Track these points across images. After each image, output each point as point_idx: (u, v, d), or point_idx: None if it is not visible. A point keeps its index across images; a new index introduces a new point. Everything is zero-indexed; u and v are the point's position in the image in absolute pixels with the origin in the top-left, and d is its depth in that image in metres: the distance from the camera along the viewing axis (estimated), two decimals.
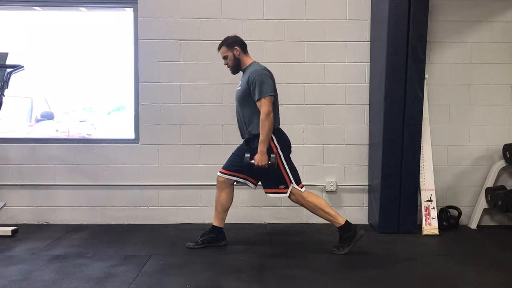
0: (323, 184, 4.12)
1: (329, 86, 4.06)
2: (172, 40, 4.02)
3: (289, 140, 3.27)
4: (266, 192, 3.20)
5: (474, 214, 4.06)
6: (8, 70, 3.60)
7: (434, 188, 3.86)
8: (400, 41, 3.67)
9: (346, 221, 3.21)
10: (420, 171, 3.82)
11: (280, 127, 3.26)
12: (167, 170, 4.09)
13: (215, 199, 3.40)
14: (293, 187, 3.15)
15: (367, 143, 4.10)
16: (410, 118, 3.73)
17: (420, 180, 3.84)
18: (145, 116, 4.07)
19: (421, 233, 3.77)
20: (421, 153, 3.82)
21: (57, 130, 6.07)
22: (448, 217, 3.97)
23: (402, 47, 3.67)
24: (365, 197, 4.15)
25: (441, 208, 4.01)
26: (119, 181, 4.09)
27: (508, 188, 4.01)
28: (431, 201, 3.83)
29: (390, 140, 3.74)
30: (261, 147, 3.04)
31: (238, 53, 3.23)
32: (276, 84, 4.00)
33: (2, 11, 4.37)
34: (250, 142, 3.19)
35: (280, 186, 3.14)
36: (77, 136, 6.23)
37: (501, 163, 4.03)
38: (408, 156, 3.75)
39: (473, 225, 4.03)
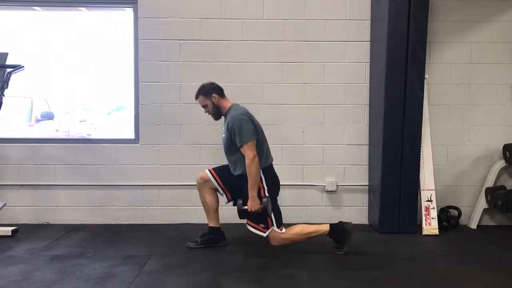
0: (323, 184, 4.12)
1: (329, 86, 4.06)
2: (172, 40, 4.02)
3: (278, 181, 3.26)
4: (247, 223, 3.17)
5: (474, 214, 4.06)
6: (8, 70, 3.60)
7: (434, 188, 3.86)
8: (400, 41, 3.67)
9: (330, 225, 3.21)
10: (420, 171, 3.82)
11: (271, 164, 3.24)
12: (167, 170, 4.09)
13: (200, 201, 3.42)
14: (273, 229, 3.12)
15: (367, 143, 4.10)
16: (410, 118, 3.72)
17: (420, 180, 3.84)
18: (145, 116, 4.07)
19: (421, 233, 3.76)
20: (421, 153, 3.82)
21: (57, 130, 6.08)
22: (448, 217, 3.97)
23: (402, 47, 3.67)
24: (365, 197, 4.15)
25: (441, 208, 4.01)
26: (119, 181, 4.09)
27: (508, 188, 4.01)
28: (431, 201, 3.83)
29: (390, 140, 3.74)
30: (252, 193, 3.04)
31: (216, 100, 3.22)
32: (276, 84, 4.05)
33: (2, 11, 4.37)
34: (241, 180, 3.15)
35: (260, 225, 3.12)
36: (77, 136, 6.23)
37: (501, 163, 4.03)
38: (408, 156, 3.75)
39: (473, 225, 4.03)
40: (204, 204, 3.40)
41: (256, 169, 3.03)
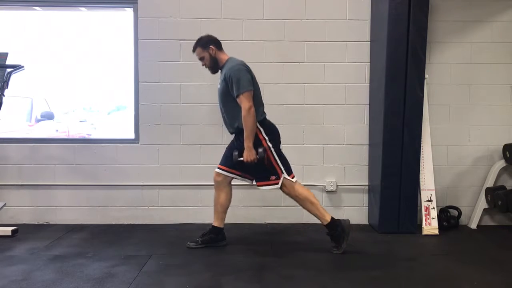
0: (323, 184, 4.12)
1: (329, 86, 4.06)
2: (172, 40, 4.02)
3: (277, 131, 3.26)
4: (258, 185, 3.19)
5: (474, 214, 4.06)
6: (8, 70, 3.60)
7: (434, 188, 3.86)
8: (400, 41, 3.67)
9: (332, 218, 3.22)
10: (420, 171, 3.82)
11: (266, 117, 3.25)
12: (167, 170, 4.09)
13: (214, 199, 3.40)
14: (284, 177, 3.15)
15: (367, 143, 4.10)
16: (410, 118, 3.72)
17: (420, 180, 3.84)
18: (145, 116, 4.07)
19: (421, 233, 3.77)
20: (421, 153, 3.82)
21: (57, 130, 6.08)
22: (448, 217, 3.97)
23: (402, 47, 3.67)
24: (365, 197, 4.15)
25: (441, 208, 4.01)
26: (119, 181, 4.09)
27: (508, 188, 4.01)
28: (431, 201, 3.83)
29: (390, 140, 3.74)
30: (247, 143, 3.05)
31: (213, 52, 3.22)
32: (276, 84, 4.05)
33: (2, 11, 4.37)
34: (238, 136, 3.19)
35: (271, 177, 3.14)
36: (77, 136, 6.24)
37: (501, 163, 4.03)
38: (408, 156, 3.75)
39: (473, 225, 4.03)
40: (217, 203, 3.38)
41: (252, 120, 3.03)
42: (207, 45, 3.22)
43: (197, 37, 3.99)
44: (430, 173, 3.86)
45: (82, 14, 4.55)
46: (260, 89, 4.03)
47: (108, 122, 6.95)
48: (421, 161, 3.83)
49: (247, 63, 4.01)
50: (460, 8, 4.03)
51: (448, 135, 4.11)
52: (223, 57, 3.26)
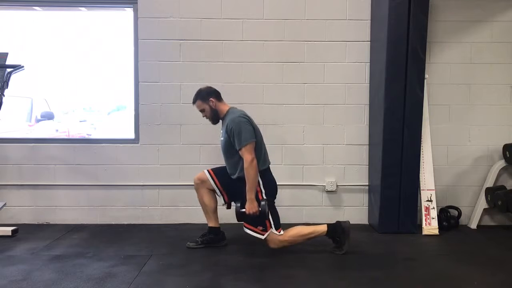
0: (323, 184, 4.12)
1: (329, 86, 4.06)
2: (172, 40, 4.02)
3: (275, 184, 3.26)
4: (244, 226, 3.17)
5: (474, 214, 4.06)
6: (8, 70, 3.60)
7: (434, 188, 3.86)
8: (400, 41, 3.67)
9: (328, 225, 3.21)
10: (420, 171, 3.82)
11: (269, 167, 3.24)
12: (167, 170, 4.09)
13: (199, 202, 3.42)
14: (271, 231, 3.13)
15: (367, 143, 4.10)
16: (410, 118, 3.72)
17: (420, 180, 3.84)
18: (145, 116, 4.07)
19: (421, 233, 3.76)
20: (421, 153, 3.82)
21: (57, 130, 6.09)
22: (448, 217, 3.97)
23: (402, 47, 3.67)
24: (365, 197, 4.15)
25: (441, 208, 4.01)
26: (119, 181, 4.09)
27: (508, 188, 4.01)
28: (431, 201, 3.83)
29: (390, 140, 3.74)
30: (249, 195, 3.04)
31: (214, 104, 3.23)
32: (276, 84, 4.05)
33: (2, 11, 4.37)
34: (239, 182, 3.15)
35: (258, 227, 3.12)
36: (77, 136, 6.24)
37: (501, 163, 4.03)
38: (408, 156, 3.75)
39: (473, 225, 4.03)
40: (203, 204, 3.40)
41: (254, 172, 3.03)
42: (207, 98, 3.23)
43: (197, 37, 4.02)
44: (430, 173, 3.86)
45: (82, 14, 4.55)
46: (260, 89, 4.06)
47: (108, 122, 6.95)
48: (421, 161, 3.83)
49: (247, 63, 4.04)
50: (460, 8, 4.03)
51: (448, 135, 4.11)
52: (224, 108, 3.26)
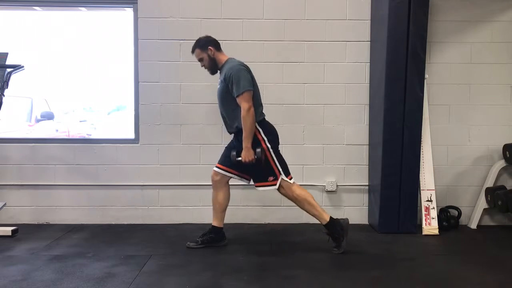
0: (323, 184, 4.12)
1: (329, 86, 4.06)
2: (172, 40, 4.02)
3: (276, 131, 3.27)
4: (256, 186, 3.20)
5: (474, 214, 4.06)
6: (8, 70, 3.60)
7: (434, 188, 3.86)
8: (400, 41, 3.67)
9: (331, 217, 3.22)
10: (420, 171, 3.82)
11: (265, 118, 3.25)
12: (167, 170, 4.09)
13: (212, 199, 3.41)
14: (282, 178, 3.16)
15: (367, 143, 4.10)
16: (410, 118, 3.72)
17: (420, 180, 3.84)
18: (145, 116, 4.07)
19: (421, 233, 3.77)
20: (421, 153, 3.82)
21: (57, 130, 6.09)
22: (448, 217, 3.97)
23: (402, 47, 3.67)
24: (365, 197, 4.15)
25: (441, 208, 4.01)
26: (119, 181, 4.09)
27: (508, 188, 4.01)
28: (431, 201, 3.83)
29: (390, 140, 3.74)
30: (246, 143, 3.06)
31: (212, 53, 3.23)
32: (276, 84, 4.05)
33: (2, 11, 4.37)
34: (238, 136, 3.19)
35: (269, 178, 3.15)
36: (77, 136, 6.24)
37: (501, 163, 4.03)
38: (408, 156, 3.75)
39: (473, 225, 4.03)
40: (215, 202, 3.38)
41: (251, 120, 3.03)
42: (206, 46, 3.23)
43: (197, 37, 4.00)
44: (430, 173, 3.86)
45: (82, 14, 4.55)
46: (260, 89, 4.05)
47: (108, 122, 6.95)
48: (421, 161, 3.83)
49: (247, 63, 4.01)
50: (460, 8, 4.03)
51: (448, 135, 4.11)
52: (222, 57, 3.26)
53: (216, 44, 3.27)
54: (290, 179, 3.20)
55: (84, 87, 6.32)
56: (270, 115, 4.01)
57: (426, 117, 3.87)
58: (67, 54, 5.66)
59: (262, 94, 4.02)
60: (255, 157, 3.06)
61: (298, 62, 4.05)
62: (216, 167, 3.36)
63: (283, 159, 3.22)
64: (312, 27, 4.03)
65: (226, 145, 3.46)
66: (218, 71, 3.31)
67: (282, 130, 4.05)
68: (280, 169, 3.16)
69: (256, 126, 3.12)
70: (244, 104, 3.04)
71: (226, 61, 3.23)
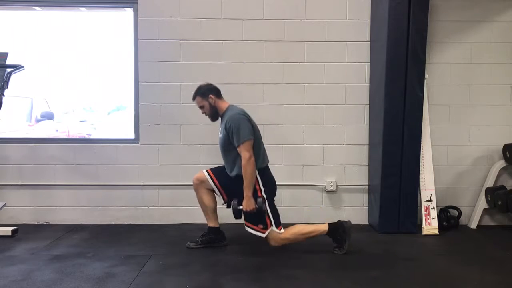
0: (323, 184, 4.12)
1: (329, 86, 4.06)
2: (172, 40, 4.02)
3: (274, 182, 3.26)
4: (245, 225, 3.18)
5: (474, 214, 4.06)
6: (8, 70, 3.60)
7: (434, 188, 3.86)
8: (400, 41, 3.67)
9: (329, 224, 3.22)
10: (420, 171, 3.82)
11: (267, 165, 3.25)
12: (167, 170, 4.09)
13: (198, 203, 3.42)
14: (272, 229, 3.13)
15: (367, 143, 4.10)
16: (410, 118, 3.72)
17: (420, 180, 3.84)
18: (145, 116, 4.07)
19: (421, 233, 3.77)
20: (421, 153, 3.82)
21: (57, 130, 6.09)
22: (448, 217, 3.97)
23: (402, 47, 3.67)
24: (365, 197, 4.15)
25: (441, 208, 4.01)
26: (119, 181, 4.09)
27: (508, 188, 4.01)
28: (431, 201, 3.83)
29: (390, 140, 3.74)
30: (246, 192, 3.04)
31: (213, 101, 3.24)
32: (276, 84, 4.05)
33: (2, 11, 4.37)
34: (237, 181, 3.14)
35: (259, 225, 3.13)
36: (77, 136, 6.24)
37: (501, 163, 4.03)
38: (408, 156, 3.75)
39: (473, 225, 4.03)
40: (202, 204, 3.40)
41: (251, 170, 3.03)
42: (207, 94, 3.24)
43: (197, 37, 4.02)
44: (430, 173, 3.86)
45: (82, 14, 4.55)
46: (260, 89, 4.06)
47: (108, 122, 6.95)
48: (421, 161, 3.83)
49: (247, 63, 4.04)
50: (460, 8, 4.03)
51: (448, 135, 4.11)
52: (223, 105, 3.27)
53: (217, 92, 3.28)
54: (280, 230, 3.16)
55: (84, 87, 6.33)
56: (270, 115, 4.04)
57: (426, 117, 3.88)
58: (67, 54, 5.67)
59: (262, 94, 4.05)
60: (256, 206, 3.05)
61: (298, 62, 4.05)
62: (206, 171, 3.37)
63: (276, 210, 3.20)
64: (312, 27, 4.03)
65: None
66: (220, 118, 3.31)
67: (282, 130, 4.08)
68: (272, 221, 3.14)
69: (256, 174, 3.11)
70: (245, 153, 3.04)
71: (227, 109, 3.24)
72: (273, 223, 3.13)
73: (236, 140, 3.07)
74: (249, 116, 3.19)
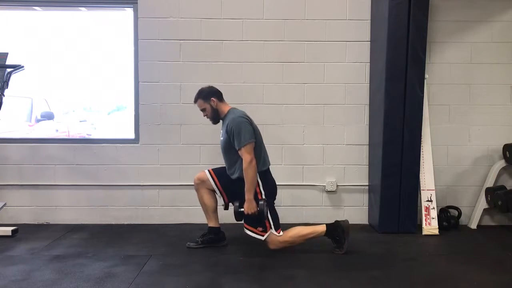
0: (323, 184, 4.12)
1: (329, 86, 4.06)
2: (172, 40, 4.02)
3: (275, 186, 3.26)
4: (244, 227, 3.18)
5: (474, 214, 4.06)
6: (8, 70, 3.60)
7: (434, 188, 3.86)
8: (400, 41, 3.67)
9: (327, 225, 3.22)
10: (420, 171, 3.82)
11: (269, 168, 3.24)
12: (167, 170, 4.09)
13: (199, 202, 3.42)
14: (271, 232, 3.13)
15: (367, 143, 4.10)
16: (410, 118, 3.72)
17: (420, 180, 3.84)
18: (145, 116, 4.07)
19: (421, 233, 3.76)
20: (421, 153, 3.82)
21: (57, 130, 6.09)
22: (448, 217, 3.97)
23: (402, 47, 3.67)
24: (365, 197, 4.15)
25: (441, 208, 4.01)
26: (119, 181, 4.09)
27: (508, 188, 4.01)
28: (431, 201, 3.83)
29: (390, 140, 3.74)
30: (248, 195, 3.04)
31: (215, 104, 3.23)
32: (276, 84, 4.05)
33: (2, 11, 4.37)
34: (239, 183, 3.15)
35: (258, 228, 3.13)
36: (77, 136, 6.25)
37: (501, 163, 4.03)
38: (408, 156, 3.75)
39: (473, 225, 4.03)
40: (202, 204, 3.41)
41: (253, 172, 3.03)
42: (208, 97, 3.24)
43: (197, 37, 4.02)
44: (430, 173, 3.86)
45: (82, 14, 4.55)
46: (260, 88, 4.06)
47: (108, 122, 6.96)
48: (421, 161, 3.83)
49: (247, 63, 4.04)
50: (460, 8, 4.03)
51: (448, 135, 4.11)
52: (225, 108, 3.27)
53: (218, 95, 3.27)
54: (279, 232, 3.16)
55: (84, 87, 6.33)
56: (270, 115, 4.04)
57: (426, 117, 3.87)
58: (67, 54, 5.67)
59: (262, 94, 4.05)
60: (257, 209, 3.05)
61: (298, 62, 4.05)
62: (208, 171, 3.37)
63: (276, 213, 3.20)
64: (312, 27, 4.03)
65: None
66: (221, 121, 3.32)
67: (282, 130, 4.08)
68: (272, 224, 3.14)
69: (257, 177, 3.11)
70: (246, 156, 3.04)
71: (228, 112, 3.24)
72: (272, 226, 3.14)
73: (237, 143, 3.07)
74: (250, 119, 3.19)
